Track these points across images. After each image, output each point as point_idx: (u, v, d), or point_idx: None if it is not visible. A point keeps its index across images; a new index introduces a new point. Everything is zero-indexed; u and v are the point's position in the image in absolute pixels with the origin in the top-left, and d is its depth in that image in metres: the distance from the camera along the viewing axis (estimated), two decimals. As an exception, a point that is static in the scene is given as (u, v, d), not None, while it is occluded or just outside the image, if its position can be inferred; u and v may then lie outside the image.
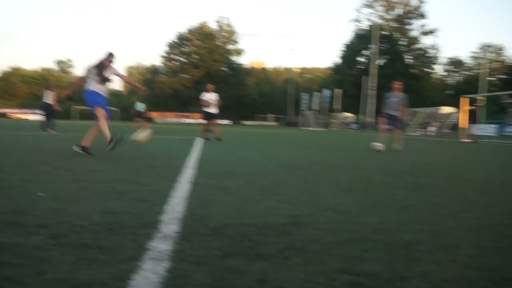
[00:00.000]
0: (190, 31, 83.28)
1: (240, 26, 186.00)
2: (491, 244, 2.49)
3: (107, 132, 7.36)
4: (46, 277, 1.80)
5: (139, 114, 22.84)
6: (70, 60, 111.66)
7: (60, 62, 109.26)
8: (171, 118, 73.20)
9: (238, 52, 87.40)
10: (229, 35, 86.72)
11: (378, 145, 11.16)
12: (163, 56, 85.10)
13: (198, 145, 11.06)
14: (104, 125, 7.45)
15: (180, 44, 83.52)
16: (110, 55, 7.74)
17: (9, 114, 73.34)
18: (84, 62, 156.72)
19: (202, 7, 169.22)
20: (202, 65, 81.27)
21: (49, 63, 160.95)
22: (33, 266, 1.92)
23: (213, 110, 14.44)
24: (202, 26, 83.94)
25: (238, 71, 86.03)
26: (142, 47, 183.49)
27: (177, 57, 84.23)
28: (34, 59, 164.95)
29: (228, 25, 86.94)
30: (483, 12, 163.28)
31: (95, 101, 7.53)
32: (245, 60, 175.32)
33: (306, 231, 2.63)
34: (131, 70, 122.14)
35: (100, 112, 7.49)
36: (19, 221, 2.65)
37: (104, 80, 7.60)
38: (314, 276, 1.88)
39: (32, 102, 78.37)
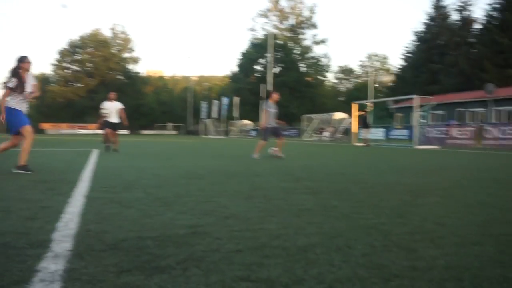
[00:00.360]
0: (83, 38, 79.87)
1: (137, 34, 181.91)
2: (379, 243, 2.65)
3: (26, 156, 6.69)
4: None
5: None
6: None
7: None
8: (65, 129, 69.68)
9: (135, 60, 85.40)
10: (125, 42, 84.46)
11: (274, 150, 11.44)
12: (54, 64, 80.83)
13: (94, 157, 10.64)
14: (30, 145, 6.72)
15: (72, 51, 79.78)
16: (25, 58, 6.79)
17: None
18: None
19: (97, 14, 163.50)
20: (97, 74, 78.31)
21: None
22: None
23: (114, 119, 13.89)
24: (96, 33, 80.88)
25: (135, 79, 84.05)
26: (29, 54, 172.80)
27: (70, 66, 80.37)
28: None
29: (123, 33, 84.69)
30: (369, 23, 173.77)
31: (19, 121, 6.65)
32: (142, 68, 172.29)
33: (206, 241, 2.63)
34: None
35: (27, 131, 6.67)
36: None
37: (23, 91, 6.66)
38: (213, 286, 1.88)
39: None
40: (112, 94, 14.21)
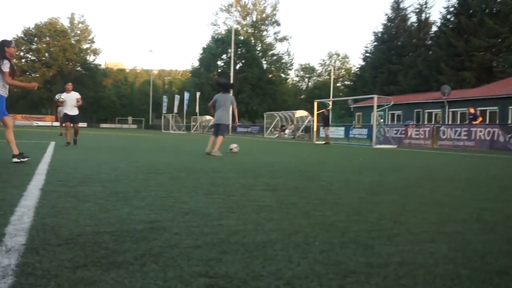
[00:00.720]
0: (38, 27, 77.38)
1: (97, 24, 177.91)
2: (337, 240, 2.68)
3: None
4: None
5: None
6: None
7: None
8: (20, 120, 67.69)
9: (94, 52, 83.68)
10: (84, 33, 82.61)
11: (234, 146, 11.45)
12: (8, 53, 78.08)
13: (51, 149, 10.38)
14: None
15: (28, 40, 77.32)
16: (10, 43, 6.84)
17: None
18: None
19: (54, 1, 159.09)
20: (54, 64, 76.28)
21: None
22: None
23: (70, 111, 13.07)
24: (53, 22, 78.57)
25: (94, 71, 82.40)
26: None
27: (25, 55, 77.91)
28: None
29: (82, 23, 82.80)
30: (330, 22, 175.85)
31: (2, 109, 6.68)
32: (102, 60, 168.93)
33: (164, 237, 2.60)
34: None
35: (10, 119, 6.90)
36: None
37: (15, 75, 6.78)
38: (171, 282, 1.86)
39: None
40: (69, 85, 13.54)
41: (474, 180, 6.64)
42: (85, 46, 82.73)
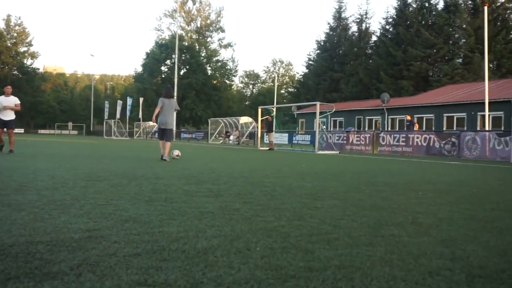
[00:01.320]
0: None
1: (36, 28, 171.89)
2: (278, 245, 2.71)
3: None
4: None
5: None
6: None
7: None
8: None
9: (32, 55, 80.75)
10: (21, 35, 79.58)
11: (176, 153, 11.39)
12: None
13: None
14: None
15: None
16: None
17: None
18: None
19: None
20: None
21: None
22: None
23: (5, 116, 12.29)
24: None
25: (32, 75, 79.47)
26: None
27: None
28: None
29: (19, 25, 79.76)
30: (274, 29, 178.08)
31: None
32: (41, 64, 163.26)
33: (102, 245, 2.54)
34: None
35: None
36: None
37: None
38: (108, 292, 1.82)
39: None
40: (8, 88, 12.81)
41: (411, 184, 6.88)
42: (22, 49, 79.77)
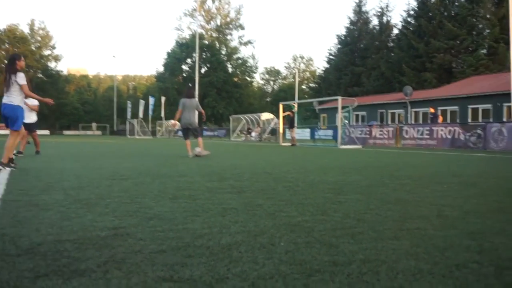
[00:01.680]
0: (-1, 33, 75.56)
1: (58, 30, 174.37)
2: (302, 239, 2.70)
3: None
4: None
5: None
6: None
7: None
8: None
9: (56, 58, 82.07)
10: (45, 39, 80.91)
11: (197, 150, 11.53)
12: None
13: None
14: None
15: (-13, 48, 75.28)
16: (21, 57, 7.58)
17: None
18: None
19: (14, 8, 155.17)
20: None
21: None
22: None
23: (28, 119, 11.66)
24: (12, 28, 76.77)
25: (56, 78, 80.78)
26: None
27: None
28: None
29: (43, 29, 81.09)
30: (294, 25, 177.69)
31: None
32: (64, 66, 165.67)
33: (128, 243, 2.57)
34: None
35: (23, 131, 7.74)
36: None
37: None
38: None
39: None
40: None
41: (436, 177, 6.79)
42: (46, 52, 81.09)
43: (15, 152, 10.87)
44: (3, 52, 75.14)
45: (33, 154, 11.98)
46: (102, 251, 2.40)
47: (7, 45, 75.47)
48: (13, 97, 7.24)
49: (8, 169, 7.14)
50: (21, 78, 7.25)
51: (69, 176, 6.39)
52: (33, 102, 12.41)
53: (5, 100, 7.23)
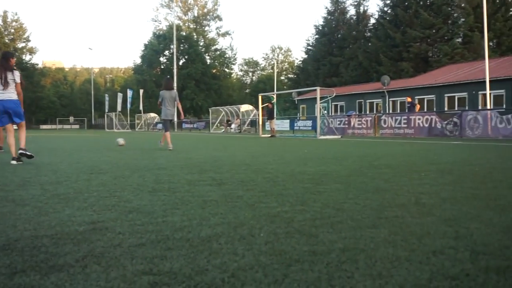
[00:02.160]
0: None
1: (33, 23, 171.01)
2: (282, 230, 2.72)
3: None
4: None
5: None
6: None
7: None
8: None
9: (31, 51, 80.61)
10: (18, 32, 79.38)
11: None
12: None
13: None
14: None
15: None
16: (13, 54, 7.89)
17: None
18: None
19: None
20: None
21: None
22: None
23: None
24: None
25: (31, 71, 79.40)
26: None
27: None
28: None
29: (16, 21, 79.51)
30: (272, 16, 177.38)
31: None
32: (39, 59, 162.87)
33: (107, 237, 2.55)
34: None
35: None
36: None
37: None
38: (113, 282, 1.83)
39: None
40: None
41: (413, 165, 6.88)
42: (20, 45, 79.58)
43: None
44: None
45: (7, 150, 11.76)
46: (81, 246, 2.37)
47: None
48: (12, 93, 7.60)
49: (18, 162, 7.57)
50: (19, 76, 7.71)
51: (46, 171, 6.30)
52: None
53: (3, 96, 7.53)
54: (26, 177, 5.52)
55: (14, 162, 7.51)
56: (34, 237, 2.54)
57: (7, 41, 77.23)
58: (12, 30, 79.04)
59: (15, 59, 8.02)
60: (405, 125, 21.54)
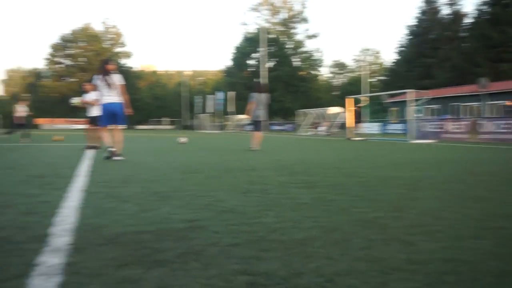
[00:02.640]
0: (74, 32, 79.42)
1: (128, 28, 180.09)
2: (377, 236, 2.65)
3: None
4: None
5: None
6: None
7: None
8: (61, 124, 69.36)
9: (127, 55, 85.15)
10: (116, 37, 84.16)
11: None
12: (47, 59, 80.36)
13: (91, 152, 10.60)
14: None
15: (64, 46, 79.39)
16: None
17: None
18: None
19: (87, 8, 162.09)
20: (90, 68, 77.88)
21: None
22: None
23: (96, 112, 11.66)
24: (86, 27, 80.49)
25: (128, 74, 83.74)
26: (22, 50, 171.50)
27: (62, 60, 79.99)
28: None
29: (114, 27, 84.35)
30: (362, 17, 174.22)
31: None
32: (135, 63, 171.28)
33: (204, 235, 2.63)
34: (11, 73, 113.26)
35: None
36: None
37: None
38: (212, 280, 1.88)
39: None
40: (89, 85, 12.40)
41: (517, 174, 6.45)
42: (118, 50, 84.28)
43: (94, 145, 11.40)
44: (79, 50, 78.82)
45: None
46: (180, 242, 2.46)
47: (82, 44, 79.09)
48: (116, 96, 8.20)
49: (120, 158, 8.08)
50: (121, 79, 8.36)
51: (144, 169, 6.62)
52: (91, 97, 12.26)
53: (109, 99, 8.13)
54: (126, 174, 5.83)
55: (118, 157, 8.03)
56: (136, 232, 2.67)
57: (106, 46, 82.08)
58: (111, 36, 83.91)
59: (115, 64, 8.62)
60: (506, 130, 20.24)
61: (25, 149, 11.87)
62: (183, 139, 14.38)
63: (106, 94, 8.19)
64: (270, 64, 72.00)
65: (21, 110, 18.63)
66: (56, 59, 79.86)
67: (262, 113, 12.31)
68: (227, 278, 1.91)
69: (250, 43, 72.97)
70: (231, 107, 56.98)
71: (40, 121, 66.75)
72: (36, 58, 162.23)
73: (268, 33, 70.02)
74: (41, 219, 3.02)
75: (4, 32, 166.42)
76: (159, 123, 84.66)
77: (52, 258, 2.14)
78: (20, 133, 18.53)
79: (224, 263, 2.11)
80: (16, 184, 4.82)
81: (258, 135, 12.17)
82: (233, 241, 2.51)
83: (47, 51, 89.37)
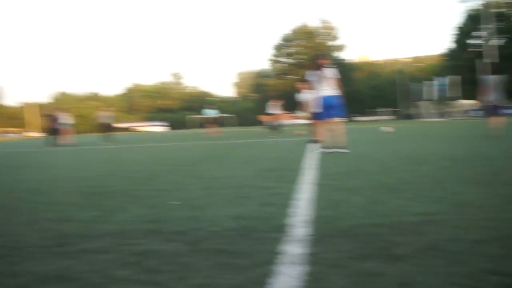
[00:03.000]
0: (294, 31, 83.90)
1: (341, 21, 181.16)
2: None
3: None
4: (188, 282, 1.88)
5: (210, 121, 24.74)
6: (180, 73, 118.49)
7: (174, 75, 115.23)
8: (285, 119, 73.63)
9: (339, 48, 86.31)
10: (329, 31, 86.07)
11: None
12: (270, 59, 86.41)
13: (313, 145, 10.99)
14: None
15: (284, 45, 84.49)
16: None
17: (132, 127, 79.80)
18: (192, 73, 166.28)
19: (301, 6, 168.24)
20: (307, 65, 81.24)
21: (165, 77, 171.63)
22: (175, 271, 2.02)
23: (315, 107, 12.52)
24: (304, 25, 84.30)
25: (343, 66, 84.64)
26: (247, 54, 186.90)
27: (283, 59, 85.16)
28: (153, 74, 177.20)
29: (327, 21, 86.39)
30: None
31: None
32: (351, 55, 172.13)
33: (442, 230, 2.50)
34: (242, 76, 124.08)
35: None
36: (158, 229, 2.82)
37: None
38: (458, 278, 1.76)
39: (153, 115, 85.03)
40: (301, 84, 13.14)
41: None
42: (330, 43, 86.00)
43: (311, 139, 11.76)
44: (299, 48, 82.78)
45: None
46: (417, 236, 2.38)
47: (301, 42, 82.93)
48: (329, 90, 8.38)
49: (345, 151, 8.10)
50: (334, 73, 8.45)
51: (368, 160, 6.59)
52: (305, 97, 12.54)
53: (327, 93, 8.36)
54: (351, 167, 5.86)
55: (342, 150, 8.12)
56: (370, 225, 2.67)
57: (321, 41, 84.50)
58: (325, 31, 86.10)
59: (327, 59, 8.77)
60: None
61: (256, 145, 12.88)
62: (388, 129, 14.12)
63: (321, 88, 8.43)
64: (499, 41, 65.10)
65: (273, 110, 22.45)
66: (278, 58, 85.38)
67: (495, 97, 11.27)
68: (476, 277, 1.78)
69: (472, 21, 67.11)
70: (453, 93, 53.30)
71: (284, 117, 71.70)
72: (262, 60, 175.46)
73: (496, 7, 63.51)
74: (278, 210, 3.22)
75: (235, 39, 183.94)
76: (374, 113, 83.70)
77: (294, 248, 2.27)
78: (272, 129, 22.17)
79: (470, 260, 1.97)
80: (251, 177, 5.26)
81: (495, 120, 11.15)
82: (477, 237, 2.32)
83: (270, 52, 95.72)
